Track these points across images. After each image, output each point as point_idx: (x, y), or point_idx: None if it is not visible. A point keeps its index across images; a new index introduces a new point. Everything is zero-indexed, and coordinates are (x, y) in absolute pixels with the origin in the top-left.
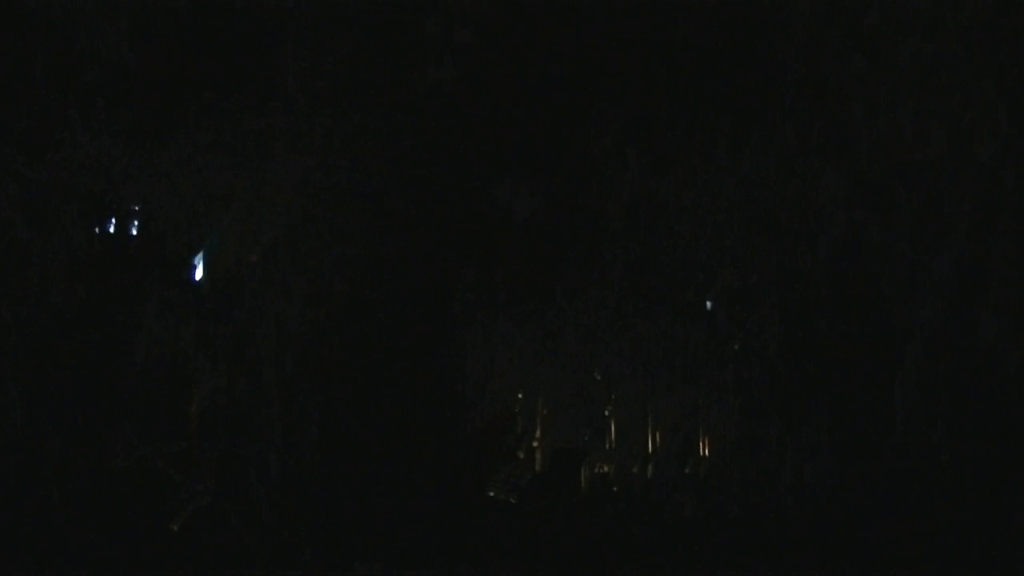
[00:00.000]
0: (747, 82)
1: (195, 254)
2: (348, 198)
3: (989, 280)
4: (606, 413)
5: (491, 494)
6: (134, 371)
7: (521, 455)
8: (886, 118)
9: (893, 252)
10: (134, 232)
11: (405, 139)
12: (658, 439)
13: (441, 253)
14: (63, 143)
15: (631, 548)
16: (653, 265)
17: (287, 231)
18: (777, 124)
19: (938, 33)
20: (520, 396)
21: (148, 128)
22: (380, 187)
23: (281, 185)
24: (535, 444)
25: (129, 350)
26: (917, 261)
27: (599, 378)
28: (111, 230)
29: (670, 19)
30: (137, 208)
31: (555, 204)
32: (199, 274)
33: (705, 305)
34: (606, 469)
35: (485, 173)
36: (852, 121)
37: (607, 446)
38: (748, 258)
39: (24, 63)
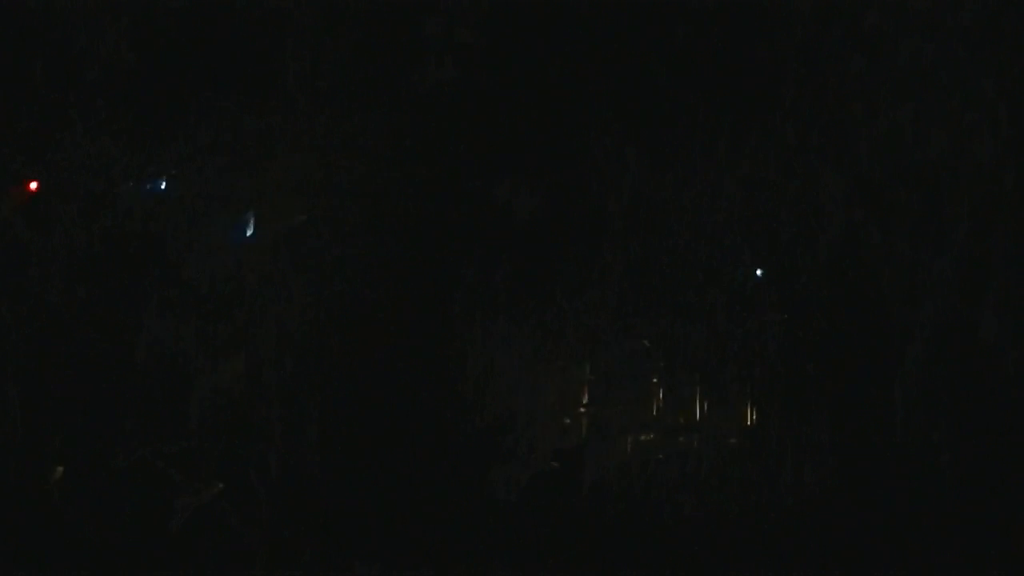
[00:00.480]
0: (747, 82)
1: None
2: (348, 198)
3: (989, 280)
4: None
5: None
6: (134, 371)
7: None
8: (886, 118)
9: (893, 252)
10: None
11: (405, 139)
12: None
13: (441, 253)
14: (63, 143)
15: (631, 548)
16: (653, 265)
17: (287, 231)
18: (777, 124)
19: (938, 33)
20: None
21: (148, 128)
22: (380, 187)
23: (281, 185)
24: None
25: (129, 350)
26: (917, 261)
27: (648, 345)
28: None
29: (670, 19)
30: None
31: (555, 204)
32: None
33: (705, 304)
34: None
35: (485, 173)
36: (852, 121)
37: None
38: (748, 258)
39: (24, 63)
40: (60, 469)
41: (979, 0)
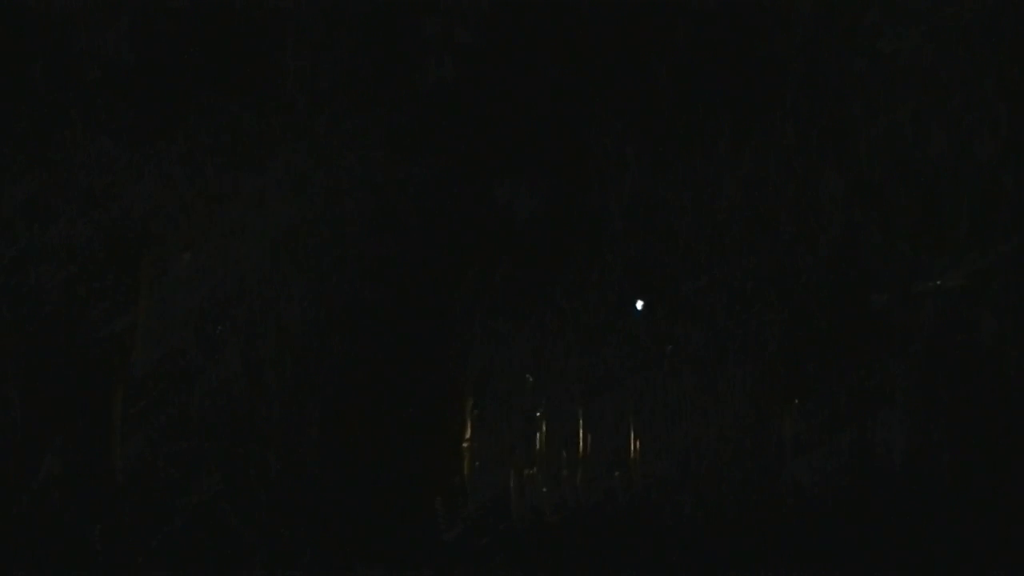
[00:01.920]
0: (747, 82)
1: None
2: (348, 198)
3: (989, 280)
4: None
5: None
6: (134, 371)
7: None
8: (886, 118)
9: (893, 252)
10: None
11: (405, 139)
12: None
13: (441, 253)
14: (63, 143)
15: (630, 548)
16: (653, 265)
17: (287, 231)
18: (777, 124)
19: (938, 33)
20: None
21: (148, 128)
22: (380, 187)
23: (281, 185)
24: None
25: (129, 350)
26: (917, 261)
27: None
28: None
29: (670, 19)
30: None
31: (555, 204)
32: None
33: (704, 304)
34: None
35: (485, 173)
36: (852, 121)
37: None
38: (748, 258)
39: (24, 63)
40: (59, 468)
41: (979, 0)
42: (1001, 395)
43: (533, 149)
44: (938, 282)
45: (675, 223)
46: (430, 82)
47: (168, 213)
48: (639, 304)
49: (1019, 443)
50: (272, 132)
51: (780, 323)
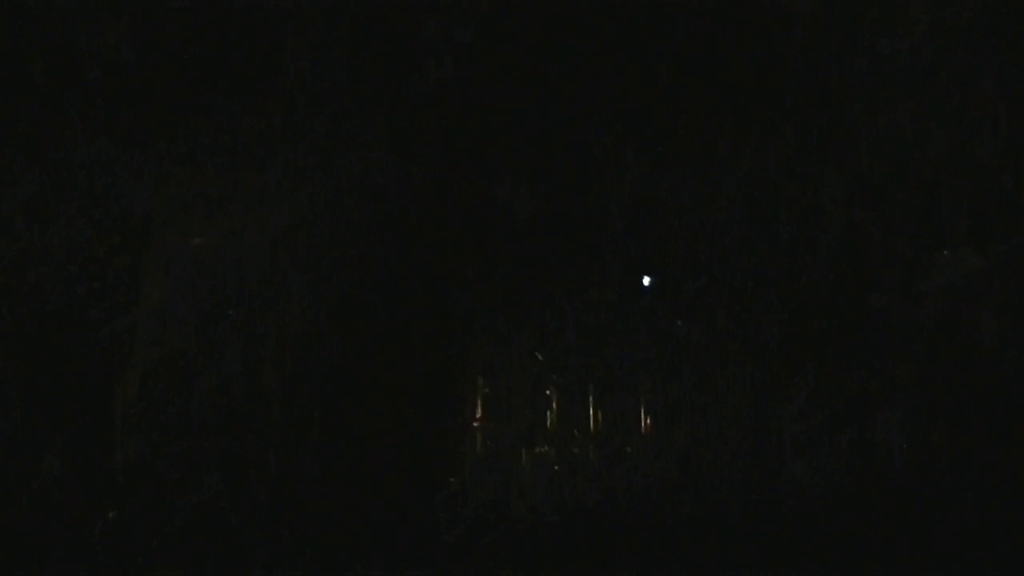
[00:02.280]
0: (747, 82)
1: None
2: (348, 198)
3: (989, 280)
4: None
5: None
6: (134, 371)
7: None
8: (886, 118)
9: (893, 252)
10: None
11: (405, 139)
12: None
13: (441, 253)
14: (63, 143)
15: (630, 548)
16: (653, 265)
17: (287, 231)
18: (777, 124)
19: (938, 33)
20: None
21: (148, 128)
22: (380, 187)
23: (281, 185)
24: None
25: (128, 349)
26: (917, 261)
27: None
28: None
29: (670, 19)
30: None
31: (555, 204)
32: None
33: (704, 304)
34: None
35: (485, 173)
36: (852, 121)
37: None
38: (748, 258)
39: (24, 63)
40: (59, 468)
41: (979, 0)
42: (1001, 395)
43: (533, 149)
44: (938, 282)
45: (675, 223)
46: (430, 82)
47: (168, 213)
48: (646, 280)
49: (1019, 443)
50: (272, 132)
51: (780, 323)
